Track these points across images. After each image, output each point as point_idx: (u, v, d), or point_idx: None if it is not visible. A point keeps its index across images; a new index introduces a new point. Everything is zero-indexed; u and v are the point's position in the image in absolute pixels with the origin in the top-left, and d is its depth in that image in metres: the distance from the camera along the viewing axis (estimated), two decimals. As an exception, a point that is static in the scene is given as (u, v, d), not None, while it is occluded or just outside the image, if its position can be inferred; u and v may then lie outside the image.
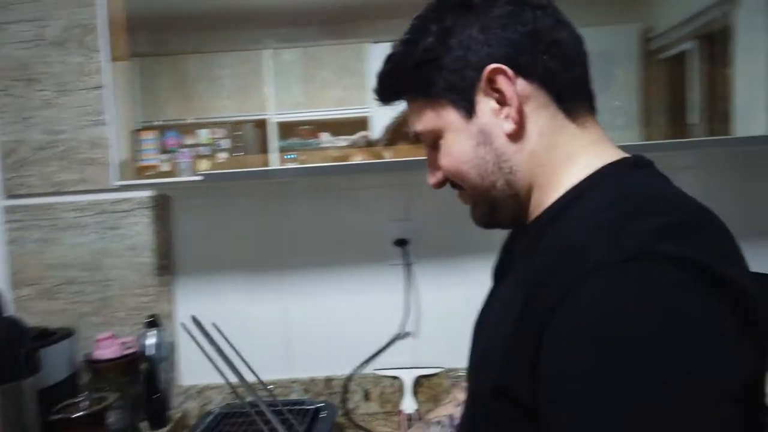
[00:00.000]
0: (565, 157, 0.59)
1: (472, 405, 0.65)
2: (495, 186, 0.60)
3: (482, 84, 0.58)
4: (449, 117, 0.60)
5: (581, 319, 0.46)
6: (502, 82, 0.57)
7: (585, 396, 0.44)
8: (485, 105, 0.59)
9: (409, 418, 1.32)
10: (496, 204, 0.62)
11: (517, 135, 0.58)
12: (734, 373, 0.44)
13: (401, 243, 1.38)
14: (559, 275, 0.49)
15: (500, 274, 0.77)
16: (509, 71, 0.57)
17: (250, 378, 0.86)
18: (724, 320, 0.45)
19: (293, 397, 1.36)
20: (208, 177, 1.05)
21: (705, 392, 0.43)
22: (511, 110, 0.58)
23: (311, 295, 1.38)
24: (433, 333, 1.40)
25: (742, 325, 0.45)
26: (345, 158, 1.02)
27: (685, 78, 1.14)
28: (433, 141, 0.64)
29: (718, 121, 1.14)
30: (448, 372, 1.38)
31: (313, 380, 1.38)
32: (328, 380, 1.38)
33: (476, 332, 0.73)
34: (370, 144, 1.03)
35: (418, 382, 1.39)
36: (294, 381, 1.38)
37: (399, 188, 1.38)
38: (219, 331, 0.97)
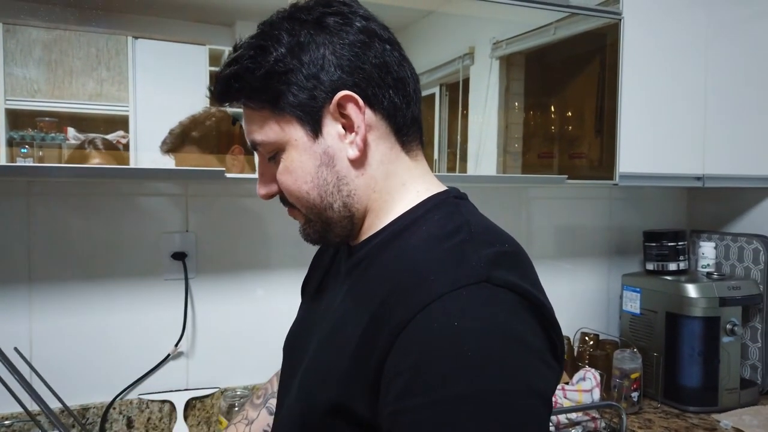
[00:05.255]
0: (401, 185, 0.62)
1: (296, 424, 0.62)
2: (332, 207, 0.61)
3: (331, 107, 0.58)
4: (294, 133, 0.59)
5: (428, 339, 0.49)
6: (351, 110, 0.58)
7: (433, 407, 0.47)
8: (332, 128, 0.59)
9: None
10: (330, 224, 0.63)
11: (359, 161, 0.60)
12: (548, 383, 0.52)
13: (179, 257, 1.30)
14: (406, 298, 0.52)
15: (314, 290, 0.76)
16: (360, 101, 0.58)
17: None
18: (540, 338, 0.52)
19: (36, 433, 1.17)
20: None
21: (536, 402, 0.49)
22: (357, 138, 0.59)
23: (65, 313, 1.22)
24: (208, 352, 1.33)
25: (550, 342, 0.53)
26: (85, 158, 0.92)
27: (433, 118, 1.31)
28: (271, 153, 0.62)
29: (461, 160, 1.31)
30: (223, 392, 1.32)
31: (62, 412, 1.20)
32: (84, 409, 1.22)
33: (294, 350, 0.71)
34: (125, 146, 0.95)
35: (190, 404, 1.30)
36: (39, 413, 1.18)
37: (178, 198, 1.30)
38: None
